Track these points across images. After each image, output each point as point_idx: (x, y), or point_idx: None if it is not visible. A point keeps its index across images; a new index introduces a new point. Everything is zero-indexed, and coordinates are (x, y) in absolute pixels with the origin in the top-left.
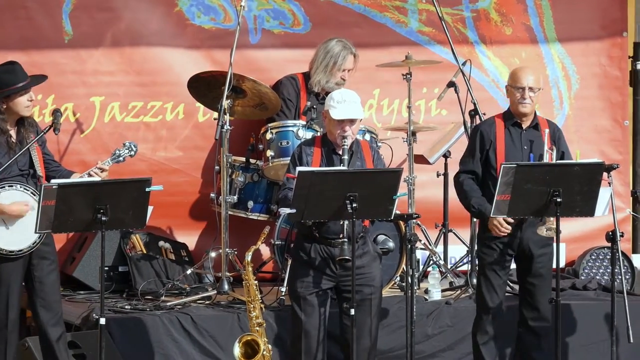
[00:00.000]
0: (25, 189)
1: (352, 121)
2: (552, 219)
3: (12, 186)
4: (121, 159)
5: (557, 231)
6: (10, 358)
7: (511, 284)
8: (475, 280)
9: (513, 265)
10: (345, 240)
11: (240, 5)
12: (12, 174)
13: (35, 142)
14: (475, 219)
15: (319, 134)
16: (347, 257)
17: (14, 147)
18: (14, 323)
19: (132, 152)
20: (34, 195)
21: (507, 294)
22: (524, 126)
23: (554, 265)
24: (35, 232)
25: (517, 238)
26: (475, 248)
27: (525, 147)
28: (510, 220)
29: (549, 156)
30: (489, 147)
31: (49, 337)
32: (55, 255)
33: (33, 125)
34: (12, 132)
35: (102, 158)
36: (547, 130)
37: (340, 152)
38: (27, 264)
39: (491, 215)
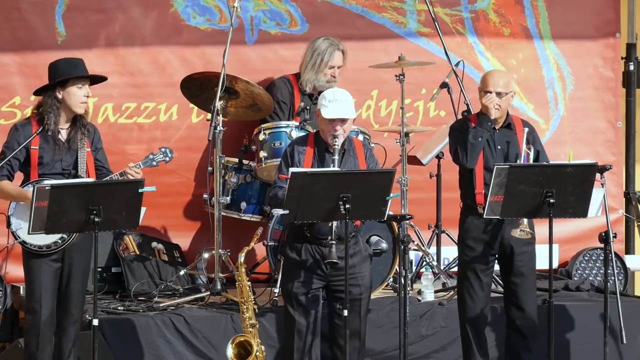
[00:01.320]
0: None
1: (343, 120)
2: (525, 220)
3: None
4: (154, 163)
5: (533, 235)
6: (45, 356)
7: (496, 284)
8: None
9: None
10: (334, 242)
11: (234, 6)
12: (53, 171)
13: (88, 145)
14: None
15: None
16: (334, 261)
17: (61, 145)
18: (48, 320)
19: (167, 158)
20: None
21: (494, 295)
22: (497, 126)
23: (538, 265)
24: (29, 234)
25: (499, 237)
26: None
27: (499, 147)
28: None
29: (526, 155)
30: None
31: (64, 336)
32: (89, 259)
33: (89, 130)
34: (64, 132)
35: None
36: (526, 130)
37: (332, 152)
38: (60, 262)
39: (485, 216)
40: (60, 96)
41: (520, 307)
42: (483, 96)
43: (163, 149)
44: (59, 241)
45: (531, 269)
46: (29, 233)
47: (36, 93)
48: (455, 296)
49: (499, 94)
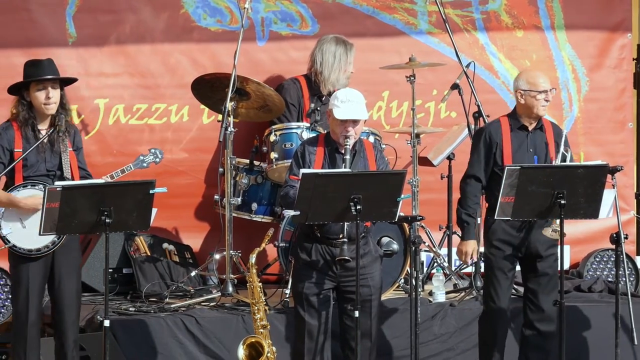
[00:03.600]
0: None
1: (355, 121)
2: (557, 220)
3: (34, 185)
4: (145, 164)
5: (562, 234)
6: (31, 358)
7: (516, 287)
8: (479, 283)
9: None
10: (345, 240)
11: (245, 7)
12: (37, 173)
13: (70, 145)
14: (478, 221)
15: None
16: (346, 258)
17: (44, 146)
18: (35, 324)
19: (157, 159)
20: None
21: (512, 296)
22: (530, 128)
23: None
24: (40, 235)
25: (525, 239)
26: (482, 250)
27: (531, 150)
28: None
29: (562, 157)
30: (495, 150)
31: (63, 340)
32: (79, 260)
33: (69, 130)
34: (44, 132)
35: (107, 160)
36: (565, 132)
37: (343, 152)
38: (49, 265)
39: (496, 217)
40: (28, 98)
41: (540, 307)
42: (533, 97)
43: (153, 150)
44: (50, 244)
45: (555, 270)
46: (40, 234)
47: (9, 93)
48: (467, 297)
49: (548, 92)
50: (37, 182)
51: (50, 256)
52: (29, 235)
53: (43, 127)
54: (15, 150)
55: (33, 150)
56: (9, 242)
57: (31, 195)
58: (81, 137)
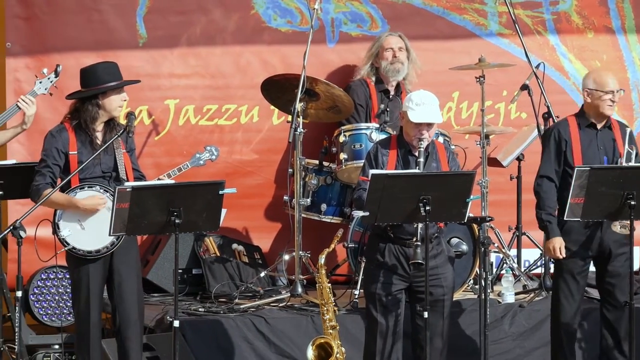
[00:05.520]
0: (105, 190)
1: (429, 125)
2: None
3: (91, 187)
4: (201, 162)
5: (631, 232)
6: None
7: (587, 289)
8: (548, 283)
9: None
10: (419, 244)
11: (314, 8)
12: (93, 174)
13: (123, 147)
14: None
15: None
16: (419, 261)
17: (98, 149)
18: (96, 324)
19: (213, 156)
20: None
21: (584, 298)
22: (599, 127)
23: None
24: (110, 235)
25: (598, 239)
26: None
27: (601, 148)
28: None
29: (627, 155)
30: (565, 149)
31: (125, 341)
32: (138, 260)
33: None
34: (99, 134)
35: (176, 161)
36: (628, 130)
37: (416, 154)
38: (108, 265)
39: (565, 218)
40: (101, 102)
41: (618, 307)
42: (599, 97)
43: (209, 148)
44: (109, 245)
45: (626, 270)
46: (109, 234)
47: (70, 98)
48: (536, 298)
49: (615, 93)
50: (93, 184)
51: (108, 257)
52: (88, 236)
53: (98, 130)
54: (70, 152)
55: (88, 152)
56: (69, 244)
57: (90, 196)
58: (134, 139)
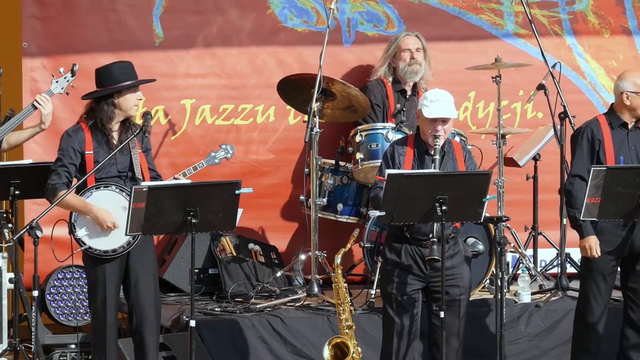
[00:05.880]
0: (121, 190)
1: (444, 120)
2: None
3: (107, 187)
4: (217, 160)
5: None
6: (111, 359)
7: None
8: (565, 283)
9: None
10: (435, 240)
11: (331, 8)
12: (109, 174)
13: (139, 147)
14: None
15: None
16: (436, 257)
17: (114, 149)
18: (112, 324)
19: (229, 155)
20: (129, 197)
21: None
22: (630, 126)
23: None
24: (126, 235)
25: (629, 239)
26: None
27: (632, 148)
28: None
29: None
30: (598, 148)
31: (142, 341)
32: (154, 259)
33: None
34: (115, 134)
35: (192, 160)
36: None
37: (432, 153)
38: (124, 265)
39: (582, 218)
40: (116, 101)
41: None
42: (635, 98)
43: (224, 146)
44: (125, 244)
45: None
46: (125, 234)
47: (86, 98)
48: (552, 298)
49: None
50: (109, 184)
51: (125, 257)
52: (104, 236)
53: (114, 129)
54: (86, 152)
55: (104, 151)
56: (85, 244)
57: (107, 211)
58: (150, 139)
